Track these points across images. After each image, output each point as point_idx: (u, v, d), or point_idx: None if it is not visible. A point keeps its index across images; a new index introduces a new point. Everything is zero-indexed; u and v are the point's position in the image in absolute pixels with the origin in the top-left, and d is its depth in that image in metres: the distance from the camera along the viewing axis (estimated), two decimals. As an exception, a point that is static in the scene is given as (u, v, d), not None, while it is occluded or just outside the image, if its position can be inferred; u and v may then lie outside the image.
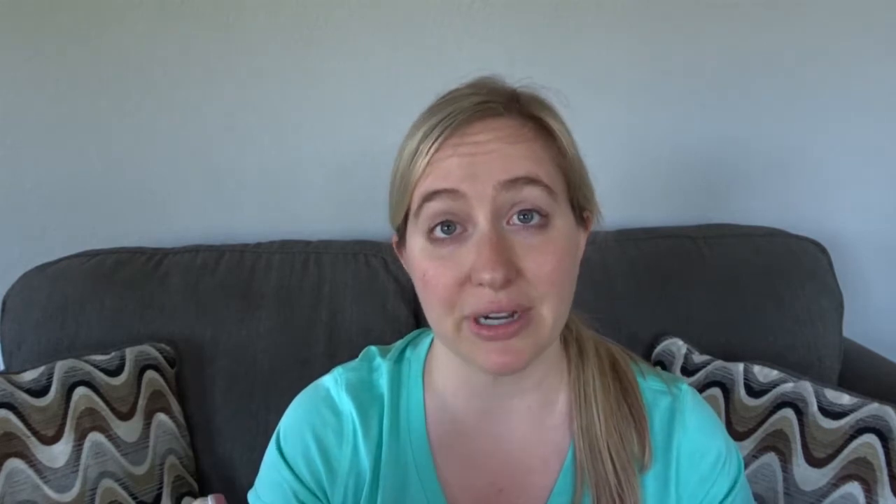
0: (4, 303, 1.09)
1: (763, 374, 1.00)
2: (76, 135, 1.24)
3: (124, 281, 1.09)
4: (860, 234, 1.38)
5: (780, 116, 1.32)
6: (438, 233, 0.53)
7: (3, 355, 1.09)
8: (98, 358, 0.99)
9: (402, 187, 0.55)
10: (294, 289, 1.11)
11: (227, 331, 1.08)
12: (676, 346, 1.08)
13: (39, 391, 0.92)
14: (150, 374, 1.01)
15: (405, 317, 1.12)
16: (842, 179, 1.36)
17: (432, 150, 0.52)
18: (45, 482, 0.87)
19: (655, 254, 1.16)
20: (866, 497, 0.84)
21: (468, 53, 1.24)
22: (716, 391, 1.01)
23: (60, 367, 0.95)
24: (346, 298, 1.11)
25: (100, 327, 1.05)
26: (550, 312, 0.53)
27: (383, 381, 0.64)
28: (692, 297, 1.13)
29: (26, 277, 1.10)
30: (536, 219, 0.52)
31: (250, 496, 0.64)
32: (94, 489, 0.89)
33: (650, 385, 0.63)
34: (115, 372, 0.98)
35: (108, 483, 0.91)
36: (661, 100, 1.30)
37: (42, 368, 0.94)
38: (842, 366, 1.15)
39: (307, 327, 1.09)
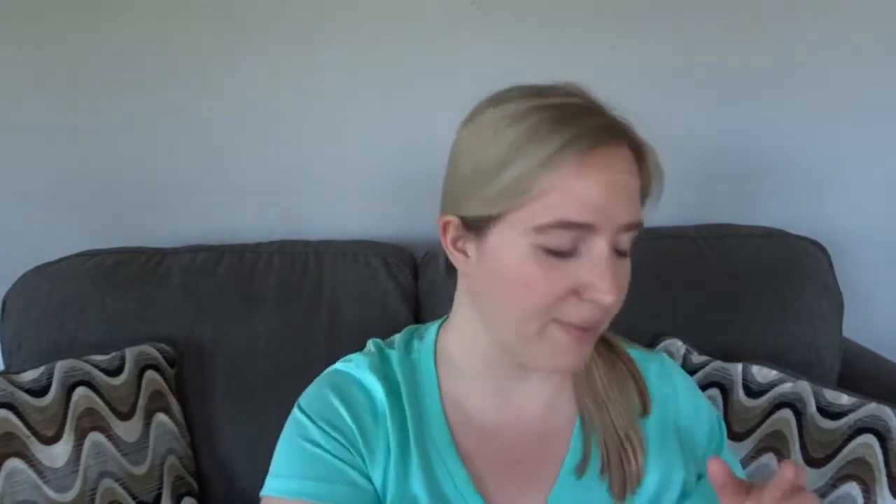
0: (4, 303, 1.09)
1: (762, 374, 1.00)
2: (76, 135, 1.24)
3: (124, 281, 1.09)
4: (860, 234, 1.38)
5: (781, 117, 1.32)
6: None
7: (3, 355, 1.09)
8: (98, 358, 0.99)
9: (514, 185, 0.53)
10: (294, 289, 1.11)
11: (227, 331, 1.08)
12: (675, 347, 1.07)
13: (39, 391, 0.92)
14: (150, 374, 1.01)
15: (405, 317, 1.12)
16: (842, 179, 1.36)
17: (568, 167, 0.52)
18: (45, 482, 0.87)
19: (655, 254, 1.15)
20: (864, 497, 0.84)
21: (468, 54, 1.23)
22: (714, 392, 1.01)
23: (60, 367, 0.95)
24: (346, 298, 1.11)
25: (100, 327, 1.06)
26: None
27: (396, 370, 0.65)
28: (692, 297, 1.13)
29: (26, 277, 1.10)
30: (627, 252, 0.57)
31: (265, 489, 0.60)
32: (94, 489, 0.90)
33: (635, 354, 0.69)
34: (115, 372, 0.98)
35: (108, 483, 0.91)
36: (661, 100, 1.29)
37: (42, 368, 0.94)
38: (842, 366, 1.15)
39: (307, 327, 1.09)
